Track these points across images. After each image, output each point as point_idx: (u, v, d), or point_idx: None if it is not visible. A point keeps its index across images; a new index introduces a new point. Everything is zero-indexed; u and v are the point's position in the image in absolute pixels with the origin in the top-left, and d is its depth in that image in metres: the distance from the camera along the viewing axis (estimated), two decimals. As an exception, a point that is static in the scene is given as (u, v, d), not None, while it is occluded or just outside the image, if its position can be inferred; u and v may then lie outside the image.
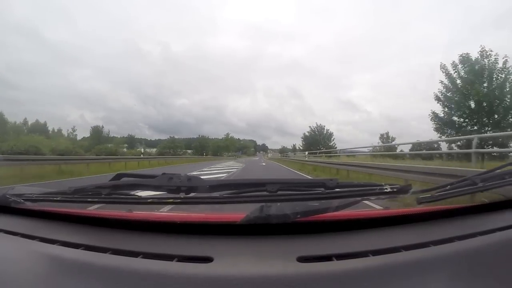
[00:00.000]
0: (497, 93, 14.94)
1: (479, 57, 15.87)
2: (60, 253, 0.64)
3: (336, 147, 35.91)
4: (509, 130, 14.13)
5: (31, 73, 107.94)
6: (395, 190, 0.73)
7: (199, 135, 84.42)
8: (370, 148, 16.82)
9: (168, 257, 0.59)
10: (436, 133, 17.35)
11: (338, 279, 0.52)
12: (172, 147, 53.41)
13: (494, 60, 15.43)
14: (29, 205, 0.84)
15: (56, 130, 54.70)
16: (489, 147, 11.39)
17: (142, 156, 26.21)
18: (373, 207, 1.95)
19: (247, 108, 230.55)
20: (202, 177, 0.82)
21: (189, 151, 64.91)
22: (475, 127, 15.69)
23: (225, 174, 11.48)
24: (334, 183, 0.74)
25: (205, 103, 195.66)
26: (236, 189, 0.77)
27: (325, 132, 47.46)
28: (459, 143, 14.04)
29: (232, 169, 15.55)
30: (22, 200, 0.84)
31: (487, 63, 15.66)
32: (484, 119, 15.48)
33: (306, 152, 25.47)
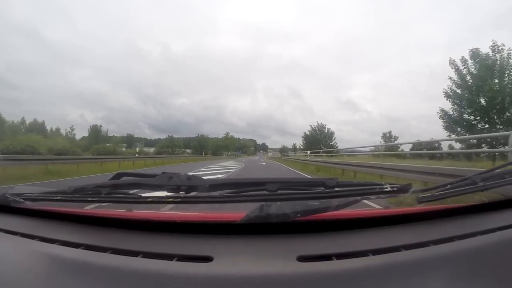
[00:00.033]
0: (509, 90, 14.02)
1: (491, 52, 14.98)
2: (60, 252, 0.64)
3: (337, 147, 35.64)
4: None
5: (31, 73, 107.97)
6: (395, 189, 0.73)
7: (198, 134, 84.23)
8: (373, 148, 16.16)
9: (168, 257, 0.59)
10: (446, 131, 16.40)
11: (338, 278, 0.52)
12: (170, 146, 52.99)
13: (507, 56, 14.52)
14: (29, 205, 0.84)
15: (54, 130, 54.30)
16: (500, 146, 10.79)
17: (137, 155, 24.57)
18: (373, 206, 1.95)
19: (247, 107, 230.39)
20: None
21: (188, 150, 64.57)
22: (486, 126, 14.87)
23: (222, 176, 11.26)
24: (334, 182, 0.74)
25: (205, 103, 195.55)
26: (236, 188, 0.76)
27: (326, 131, 47.33)
28: (473, 141, 13.31)
29: (230, 169, 15.19)
30: (22, 200, 0.84)
31: (499, 58, 14.79)
32: (495, 117, 14.65)
33: (308, 152, 24.75)
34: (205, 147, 73.85)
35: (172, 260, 0.58)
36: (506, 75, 14.54)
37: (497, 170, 0.86)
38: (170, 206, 0.95)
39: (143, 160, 21.44)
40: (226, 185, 0.78)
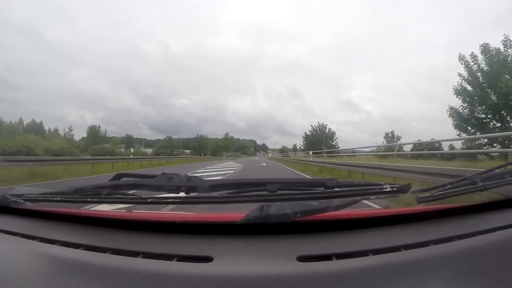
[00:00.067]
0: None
1: (502, 48, 14.40)
2: (60, 253, 0.64)
3: (338, 147, 35.35)
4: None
5: (31, 73, 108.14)
6: (394, 189, 0.73)
7: (197, 135, 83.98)
8: (375, 148, 15.47)
9: (168, 257, 0.59)
10: (456, 130, 15.62)
11: (338, 278, 0.52)
12: (169, 147, 52.54)
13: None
14: (29, 205, 0.84)
15: (52, 130, 53.94)
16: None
17: (131, 156, 23.04)
18: (373, 206, 1.95)
19: (247, 108, 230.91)
20: None
21: (187, 151, 64.38)
22: (498, 124, 14.33)
23: (220, 178, 11.05)
24: (334, 182, 0.74)
25: (205, 103, 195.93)
26: (236, 189, 0.77)
27: (327, 131, 47.16)
28: (483, 140, 12.78)
29: (229, 170, 14.72)
30: (22, 200, 0.84)
31: (511, 53, 14.23)
32: (507, 116, 14.05)
33: (310, 152, 24.14)
34: (205, 147, 73.67)
35: (172, 261, 0.58)
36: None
37: (497, 170, 0.87)
38: (170, 206, 0.95)
39: (139, 161, 20.49)
40: (226, 186, 0.78)
